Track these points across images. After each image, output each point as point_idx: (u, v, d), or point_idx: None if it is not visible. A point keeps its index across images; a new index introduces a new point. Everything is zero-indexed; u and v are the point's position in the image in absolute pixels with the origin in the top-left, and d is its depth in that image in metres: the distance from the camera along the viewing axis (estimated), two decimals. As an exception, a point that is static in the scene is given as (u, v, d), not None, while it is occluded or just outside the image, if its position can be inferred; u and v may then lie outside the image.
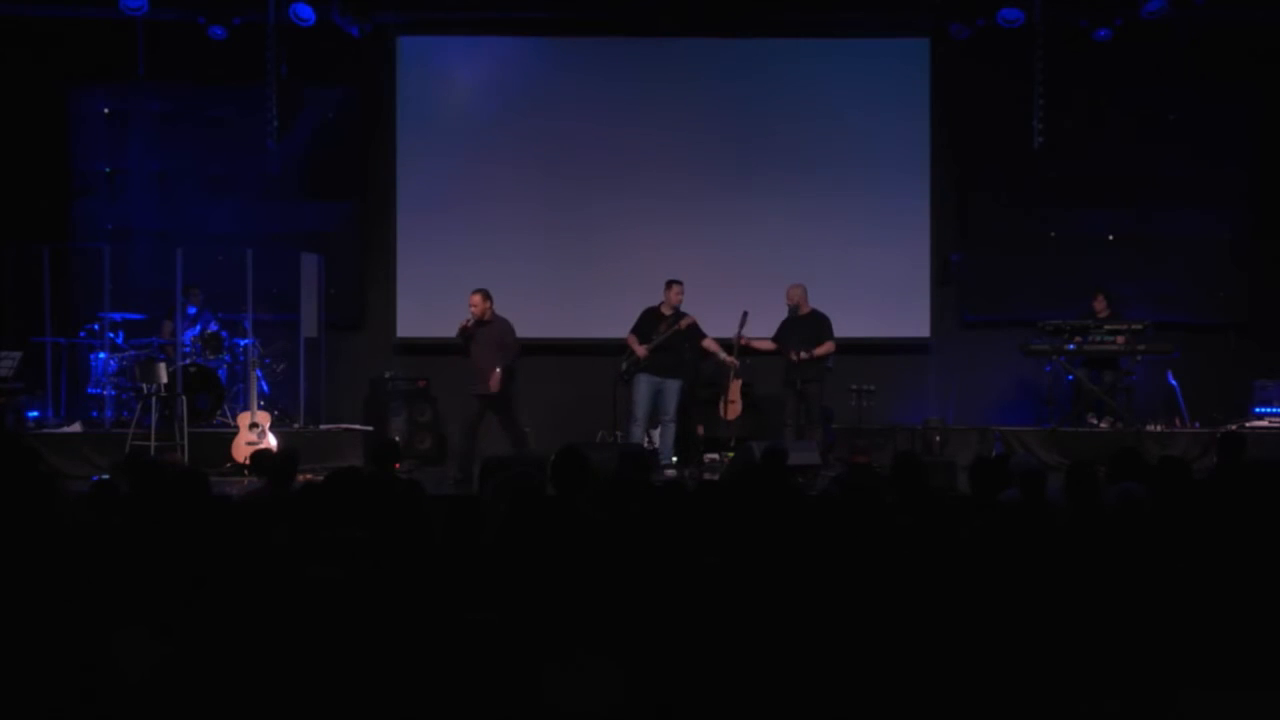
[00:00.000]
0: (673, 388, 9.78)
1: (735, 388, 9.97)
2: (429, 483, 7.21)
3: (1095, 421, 10.62)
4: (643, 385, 9.74)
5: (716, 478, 9.04)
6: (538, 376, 11.29)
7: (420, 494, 5.15)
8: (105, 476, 7.21)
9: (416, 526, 4.38)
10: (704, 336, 9.84)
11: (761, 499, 5.04)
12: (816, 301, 10.12)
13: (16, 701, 2.99)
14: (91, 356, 10.52)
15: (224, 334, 10.59)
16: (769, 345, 9.95)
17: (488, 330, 9.33)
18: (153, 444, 9.53)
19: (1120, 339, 10.47)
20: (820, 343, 9.76)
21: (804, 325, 9.88)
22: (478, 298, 9.34)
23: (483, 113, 11.59)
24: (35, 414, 10.57)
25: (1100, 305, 10.78)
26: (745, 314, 9.75)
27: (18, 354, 10.19)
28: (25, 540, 4.06)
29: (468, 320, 9.35)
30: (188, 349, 10.48)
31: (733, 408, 9.98)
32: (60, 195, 11.44)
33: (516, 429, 9.49)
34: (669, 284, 9.87)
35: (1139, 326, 10.52)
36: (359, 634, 3.21)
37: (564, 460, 5.21)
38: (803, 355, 9.65)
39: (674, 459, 9.96)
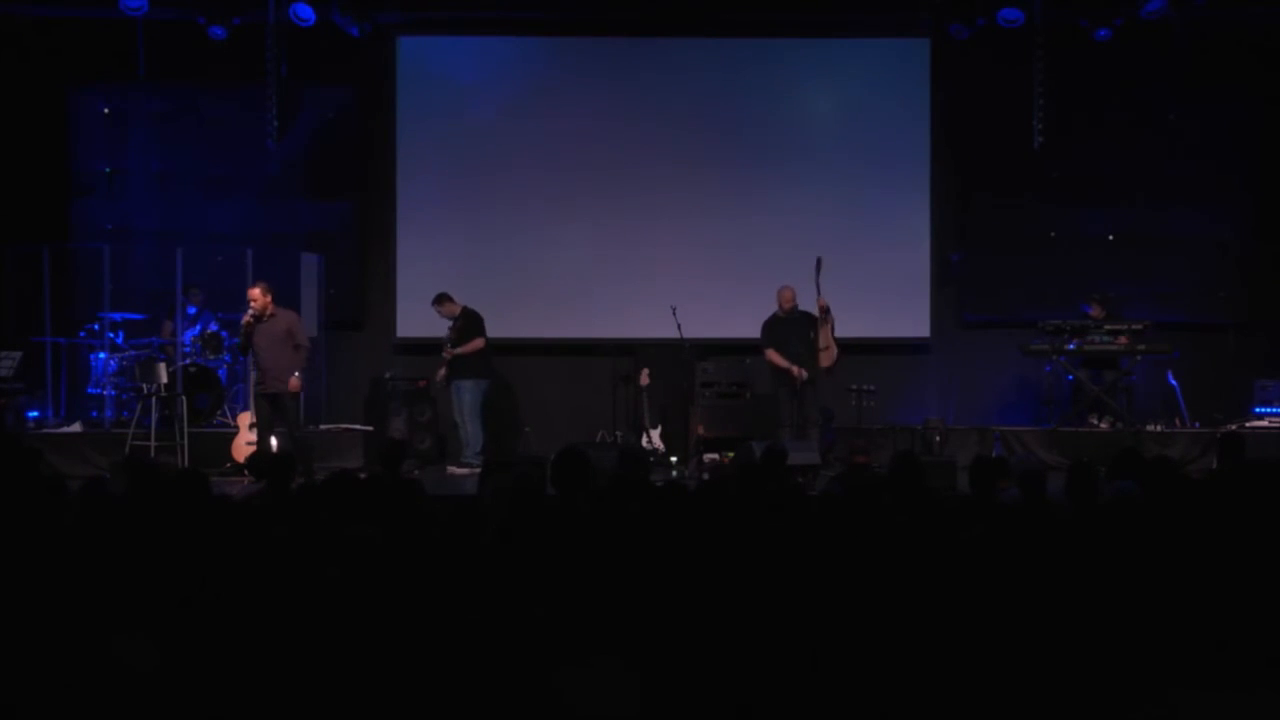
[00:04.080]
0: (459, 388, 10.10)
1: (826, 332, 9.61)
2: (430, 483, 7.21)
3: (1095, 421, 10.62)
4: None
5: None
6: (538, 376, 11.33)
7: (421, 494, 5.16)
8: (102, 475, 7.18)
9: (417, 526, 4.38)
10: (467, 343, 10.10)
11: (762, 498, 5.04)
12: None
13: (20, 702, 2.99)
14: (91, 356, 10.53)
15: (224, 334, 10.60)
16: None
17: (271, 325, 9.07)
18: (153, 444, 9.54)
19: (1120, 339, 10.47)
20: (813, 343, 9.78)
21: (800, 325, 9.81)
22: (257, 291, 9.09)
23: (483, 113, 11.58)
24: (35, 414, 10.59)
25: (1097, 313, 10.74)
26: (820, 259, 9.54)
27: (18, 354, 10.19)
28: (26, 541, 4.06)
29: (248, 316, 9.09)
30: (188, 349, 10.49)
31: (826, 354, 9.64)
32: (60, 195, 11.46)
33: (295, 427, 9.25)
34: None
35: (1139, 326, 10.53)
36: (359, 634, 3.21)
37: (564, 460, 5.21)
38: (804, 373, 9.61)
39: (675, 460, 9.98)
